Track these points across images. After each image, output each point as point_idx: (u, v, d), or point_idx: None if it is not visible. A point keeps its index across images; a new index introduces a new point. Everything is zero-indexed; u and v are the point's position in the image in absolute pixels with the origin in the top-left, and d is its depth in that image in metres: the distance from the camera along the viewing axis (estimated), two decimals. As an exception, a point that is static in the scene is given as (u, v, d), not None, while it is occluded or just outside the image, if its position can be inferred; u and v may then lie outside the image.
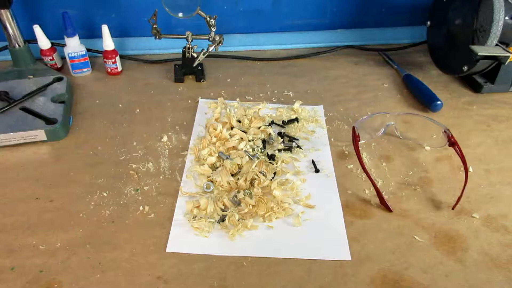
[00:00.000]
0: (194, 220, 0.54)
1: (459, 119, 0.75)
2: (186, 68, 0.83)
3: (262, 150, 0.65)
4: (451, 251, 0.52)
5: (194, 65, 0.81)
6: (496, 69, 0.77)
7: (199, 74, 0.83)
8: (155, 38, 0.79)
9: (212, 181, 0.59)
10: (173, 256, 0.50)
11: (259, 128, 0.69)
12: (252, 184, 0.59)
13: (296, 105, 0.75)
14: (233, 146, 0.65)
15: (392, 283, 0.48)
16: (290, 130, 0.71)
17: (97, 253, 0.50)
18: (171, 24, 0.91)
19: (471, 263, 0.51)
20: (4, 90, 0.72)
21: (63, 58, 0.85)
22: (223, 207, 0.56)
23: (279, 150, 0.66)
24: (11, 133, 0.64)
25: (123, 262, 0.49)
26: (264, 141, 0.67)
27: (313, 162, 0.64)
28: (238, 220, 0.54)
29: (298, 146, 0.67)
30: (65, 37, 0.79)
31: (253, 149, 0.65)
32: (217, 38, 0.79)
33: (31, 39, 0.81)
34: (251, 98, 0.79)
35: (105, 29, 0.79)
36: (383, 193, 0.59)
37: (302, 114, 0.74)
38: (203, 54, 0.80)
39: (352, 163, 0.64)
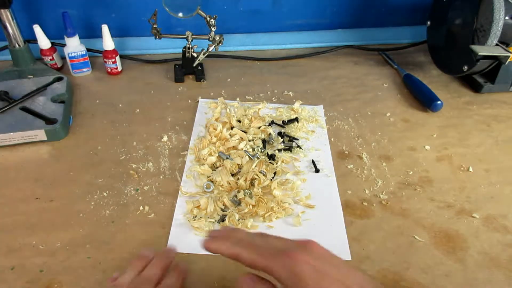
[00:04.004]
0: (194, 220, 0.54)
1: (459, 119, 0.75)
2: (186, 68, 0.83)
3: (262, 150, 0.65)
4: (451, 251, 0.52)
5: (194, 65, 0.81)
6: (496, 69, 0.77)
7: (199, 74, 0.83)
8: (155, 38, 0.79)
9: (212, 181, 0.59)
10: (173, 256, 0.50)
11: (259, 128, 0.69)
12: (252, 184, 0.59)
13: (296, 105, 0.75)
14: (233, 146, 0.65)
15: (392, 283, 0.48)
16: (290, 130, 0.71)
17: (97, 253, 0.50)
18: (171, 24, 0.91)
19: (471, 263, 0.51)
20: (4, 90, 0.72)
21: (63, 58, 0.85)
22: (223, 207, 0.56)
23: (279, 150, 0.66)
24: (11, 133, 0.64)
25: (123, 262, 0.49)
26: (264, 141, 0.67)
27: (313, 162, 0.64)
28: (238, 220, 0.54)
29: (298, 146, 0.67)
30: (65, 37, 0.79)
31: (253, 149, 0.65)
32: (217, 38, 0.79)
33: (31, 39, 0.81)
34: (251, 98, 0.79)
35: (105, 29, 0.79)
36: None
37: (302, 114, 0.74)
38: (203, 54, 0.80)
39: (352, 163, 0.64)
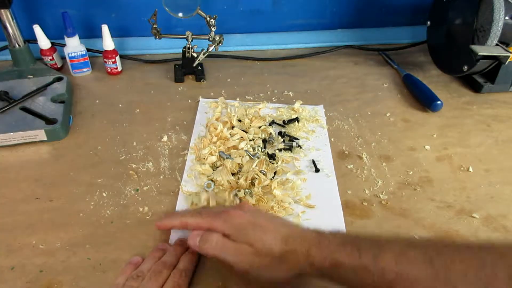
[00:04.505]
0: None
1: (459, 119, 0.75)
2: (186, 68, 0.83)
3: (263, 150, 0.65)
4: (451, 251, 0.52)
5: (194, 65, 0.81)
6: (496, 69, 0.77)
7: (199, 74, 0.83)
8: (155, 38, 0.79)
9: (212, 180, 0.59)
10: (173, 256, 0.50)
11: (259, 127, 0.69)
12: (252, 183, 0.59)
13: (297, 105, 0.75)
14: (234, 146, 0.65)
15: (392, 283, 0.48)
16: (291, 129, 0.71)
17: (97, 253, 0.50)
18: (171, 24, 0.91)
19: (471, 263, 0.50)
20: (4, 90, 0.72)
21: (63, 58, 0.85)
22: (224, 202, 0.56)
23: (280, 150, 0.66)
24: (11, 133, 0.64)
25: (124, 263, 0.49)
26: (264, 141, 0.67)
27: (313, 161, 0.64)
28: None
29: (299, 146, 0.67)
30: (65, 37, 0.79)
31: (254, 149, 0.65)
32: (217, 38, 0.79)
33: (31, 39, 0.81)
34: (251, 98, 0.79)
35: (105, 29, 0.79)
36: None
37: (303, 114, 0.74)
38: (203, 54, 0.80)
39: (352, 163, 0.64)
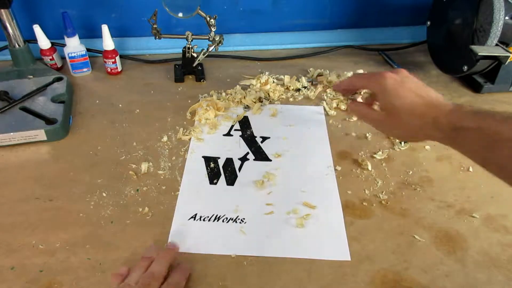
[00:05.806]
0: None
1: (459, 119, 0.74)
2: (186, 68, 0.83)
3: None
4: (451, 251, 0.52)
5: (194, 65, 0.81)
6: (496, 69, 0.77)
7: (199, 74, 0.83)
8: (155, 38, 0.79)
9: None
10: (173, 256, 0.50)
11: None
12: None
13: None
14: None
15: (392, 283, 0.48)
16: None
17: (97, 253, 0.50)
18: (171, 24, 0.91)
19: (471, 263, 0.51)
20: (4, 90, 0.72)
21: (63, 58, 0.85)
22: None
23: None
24: (11, 133, 0.64)
25: (123, 263, 0.49)
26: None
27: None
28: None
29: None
30: (65, 37, 0.79)
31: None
32: (217, 38, 0.79)
33: (31, 39, 0.81)
34: (251, 98, 0.79)
35: (105, 29, 0.79)
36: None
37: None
38: (203, 54, 0.80)
39: (352, 163, 0.64)
